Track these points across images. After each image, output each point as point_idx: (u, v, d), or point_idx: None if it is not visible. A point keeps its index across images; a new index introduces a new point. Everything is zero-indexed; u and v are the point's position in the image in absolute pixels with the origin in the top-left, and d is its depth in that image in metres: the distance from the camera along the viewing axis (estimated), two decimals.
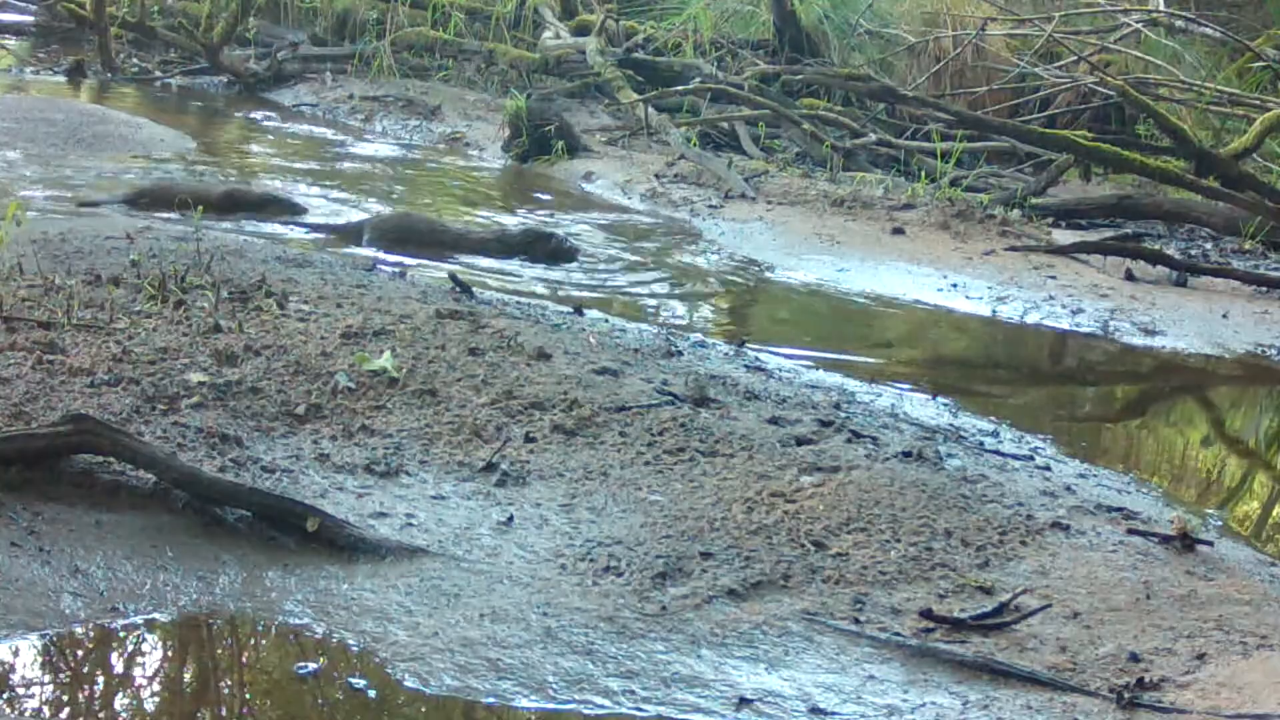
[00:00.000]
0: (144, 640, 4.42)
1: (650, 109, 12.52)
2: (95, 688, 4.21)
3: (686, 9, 14.44)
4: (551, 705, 4.13)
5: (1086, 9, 14.06)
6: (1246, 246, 10.39)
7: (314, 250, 8.13)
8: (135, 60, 15.05)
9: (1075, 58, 13.23)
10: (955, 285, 9.14)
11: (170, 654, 4.41)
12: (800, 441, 5.64)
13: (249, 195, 9.49)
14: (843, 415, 6.04)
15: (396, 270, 7.68)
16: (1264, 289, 9.37)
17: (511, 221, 9.68)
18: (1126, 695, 4.20)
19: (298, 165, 11.15)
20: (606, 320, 7.33)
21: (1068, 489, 5.58)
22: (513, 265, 8.67)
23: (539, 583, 4.66)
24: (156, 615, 4.44)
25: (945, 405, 6.75)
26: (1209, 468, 6.64)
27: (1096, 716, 4.15)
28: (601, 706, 4.13)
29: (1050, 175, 11.47)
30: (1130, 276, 9.41)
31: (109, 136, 11.28)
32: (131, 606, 4.44)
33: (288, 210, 9.36)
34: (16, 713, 3.96)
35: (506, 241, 8.94)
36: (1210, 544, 5.13)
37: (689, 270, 9.20)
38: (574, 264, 8.84)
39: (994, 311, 8.75)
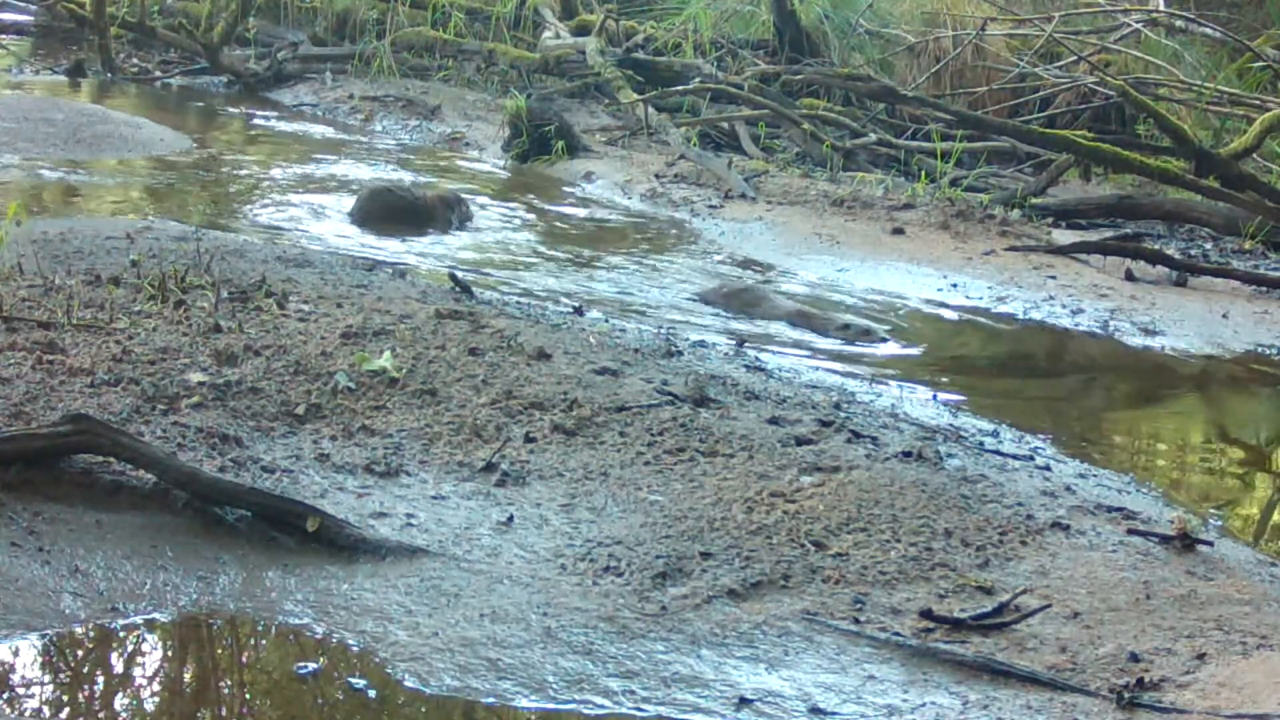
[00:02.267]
0: (144, 640, 4.42)
1: (650, 109, 12.51)
2: (95, 688, 4.21)
3: (686, 9, 14.44)
4: (551, 705, 4.13)
5: (1086, 9, 14.07)
6: (1246, 246, 10.39)
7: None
8: (135, 60, 15.05)
9: (1075, 58, 13.22)
10: (955, 285, 9.14)
11: (170, 654, 4.40)
12: (800, 441, 5.64)
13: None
14: (843, 415, 6.04)
15: (396, 270, 7.68)
16: (1264, 289, 9.37)
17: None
18: (1126, 695, 4.20)
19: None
20: (606, 320, 7.33)
21: (1068, 489, 5.58)
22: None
23: (539, 583, 4.66)
24: (156, 615, 4.44)
25: (945, 405, 6.75)
26: (1209, 468, 6.64)
27: (1096, 716, 4.15)
28: (601, 706, 4.13)
29: (1050, 175, 11.48)
30: (1130, 276, 9.42)
31: (109, 136, 11.28)
32: (131, 606, 4.44)
33: None
34: (16, 713, 3.96)
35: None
36: (1210, 544, 5.13)
37: (689, 270, 9.20)
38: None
39: (994, 311, 8.75)
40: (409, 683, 4.18)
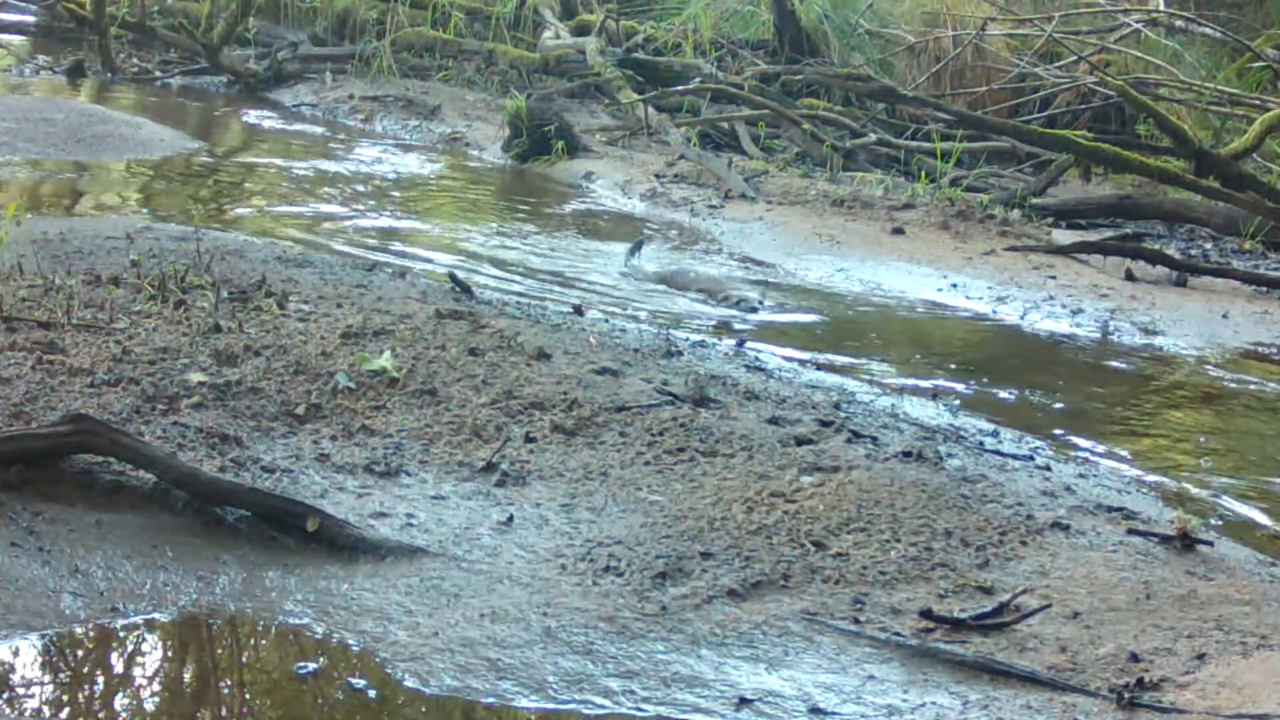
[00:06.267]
0: (144, 640, 4.42)
1: (650, 109, 12.52)
2: (95, 688, 4.21)
3: (686, 9, 14.44)
4: (551, 705, 4.13)
5: (1086, 9, 14.07)
6: (1246, 246, 10.40)
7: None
8: (135, 60, 15.05)
9: (1075, 58, 13.23)
10: (955, 285, 9.14)
11: (170, 654, 4.40)
12: (800, 441, 5.64)
13: None
14: (843, 415, 6.04)
15: (396, 270, 7.68)
16: (1264, 289, 9.38)
17: None
18: (1126, 695, 4.20)
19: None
20: (606, 320, 7.33)
21: (1068, 489, 5.58)
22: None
23: (539, 583, 4.66)
24: (156, 615, 4.44)
25: (945, 405, 6.75)
26: (1209, 468, 6.64)
27: (1096, 716, 4.15)
28: (601, 706, 4.13)
29: (1050, 175, 11.48)
30: (1130, 276, 9.42)
31: (109, 136, 11.29)
32: (131, 606, 4.44)
33: None
34: (16, 713, 3.96)
35: None
36: (1210, 544, 5.13)
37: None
38: None
39: (994, 311, 8.76)
40: (409, 683, 4.18)
